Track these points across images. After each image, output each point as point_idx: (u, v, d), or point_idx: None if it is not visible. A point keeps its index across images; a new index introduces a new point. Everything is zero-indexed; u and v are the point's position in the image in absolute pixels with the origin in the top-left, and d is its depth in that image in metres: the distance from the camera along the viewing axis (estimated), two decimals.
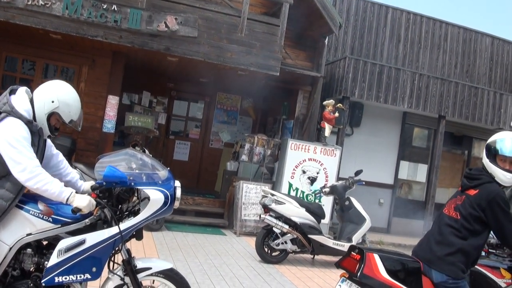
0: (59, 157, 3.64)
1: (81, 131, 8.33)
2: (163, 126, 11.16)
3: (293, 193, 8.89)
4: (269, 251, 7.22)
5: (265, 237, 7.18)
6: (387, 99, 10.65)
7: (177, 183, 3.43)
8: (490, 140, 3.52)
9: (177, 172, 10.10)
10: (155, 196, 3.25)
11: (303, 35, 10.13)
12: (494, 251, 4.19)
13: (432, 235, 3.55)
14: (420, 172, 12.42)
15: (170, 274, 3.48)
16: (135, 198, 3.43)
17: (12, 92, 3.29)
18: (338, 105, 9.31)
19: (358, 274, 3.33)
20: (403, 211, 11.74)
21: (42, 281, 3.03)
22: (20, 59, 9.03)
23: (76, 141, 8.33)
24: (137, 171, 3.37)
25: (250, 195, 8.72)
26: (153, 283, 3.57)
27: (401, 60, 12.52)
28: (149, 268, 3.40)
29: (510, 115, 12.23)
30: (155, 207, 3.26)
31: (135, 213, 3.33)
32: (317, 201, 8.88)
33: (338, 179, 9.07)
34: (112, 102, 8.55)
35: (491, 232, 3.45)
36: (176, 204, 3.39)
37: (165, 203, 3.27)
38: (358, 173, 7.84)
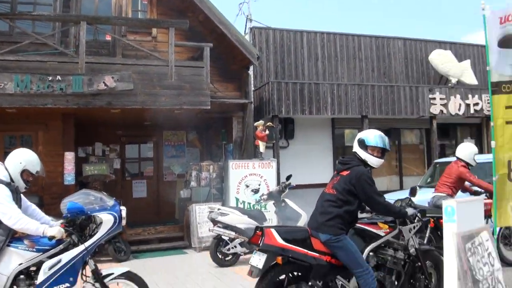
0: (33, 207, 4.99)
1: (45, 188, 9.66)
2: (119, 170, 12.36)
3: (241, 206, 10.18)
4: (223, 257, 8.50)
5: (217, 246, 8.47)
6: (311, 111, 12.15)
7: (123, 207, 4.78)
8: (360, 136, 4.97)
9: (138, 208, 11.49)
10: (106, 218, 4.60)
11: (229, 69, 11.57)
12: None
13: (317, 209, 4.85)
14: None
15: (129, 275, 4.81)
16: (94, 225, 4.73)
17: None
18: (268, 123, 10.74)
19: (260, 244, 4.50)
20: None
21: None
22: None
23: (43, 198, 9.53)
24: (91, 203, 4.71)
25: (203, 214, 9.88)
26: (118, 285, 4.86)
27: (321, 75, 14.06)
28: (112, 273, 4.71)
29: (427, 104, 13.86)
30: (108, 226, 4.60)
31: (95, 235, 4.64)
32: (263, 209, 10.17)
33: None
34: (69, 157, 9.70)
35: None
36: (123, 222, 4.75)
37: (114, 222, 4.62)
38: (288, 178, 9.23)
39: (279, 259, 4.48)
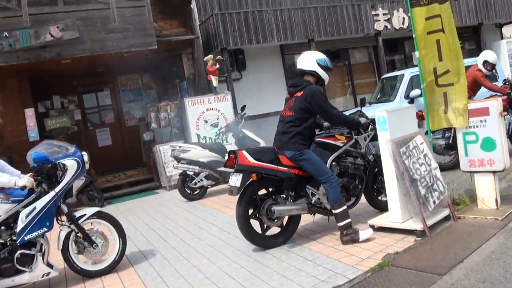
0: (2, 163, 5.23)
1: (11, 147, 9.78)
2: (81, 121, 12.53)
3: (202, 141, 10.52)
4: (191, 192, 8.96)
5: (184, 182, 8.90)
6: (258, 40, 12.32)
7: (84, 152, 5.11)
8: (316, 57, 5.30)
9: (105, 156, 11.77)
10: (70, 163, 4.94)
11: (170, 5, 11.44)
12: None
13: (278, 131, 5.33)
14: None
15: (100, 214, 5.24)
16: (60, 172, 5.02)
17: None
18: (218, 57, 10.92)
19: (235, 165, 5.02)
20: None
21: (17, 242, 4.66)
22: None
23: (11, 157, 9.66)
24: (55, 152, 5.01)
25: (168, 154, 10.23)
26: (91, 225, 5.26)
27: (264, 2, 13.98)
28: (84, 214, 5.11)
29: (371, 21, 14.19)
30: (73, 171, 4.95)
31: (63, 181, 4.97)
32: (224, 142, 10.54)
33: None
34: (29, 114, 9.85)
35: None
36: (87, 166, 5.08)
37: (78, 167, 4.96)
38: (242, 108, 9.60)
39: (254, 176, 5.04)
